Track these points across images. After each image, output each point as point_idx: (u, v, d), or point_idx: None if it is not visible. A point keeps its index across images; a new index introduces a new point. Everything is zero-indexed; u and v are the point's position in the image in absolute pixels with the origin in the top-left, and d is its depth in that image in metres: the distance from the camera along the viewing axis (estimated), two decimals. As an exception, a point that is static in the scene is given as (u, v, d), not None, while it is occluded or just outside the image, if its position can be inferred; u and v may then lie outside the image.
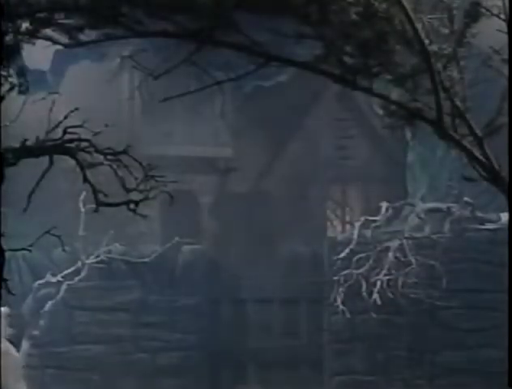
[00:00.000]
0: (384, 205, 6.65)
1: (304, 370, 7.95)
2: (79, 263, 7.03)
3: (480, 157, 2.59)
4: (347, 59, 2.51)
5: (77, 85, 8.41)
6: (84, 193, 6.84)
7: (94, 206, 3.39)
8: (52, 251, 7.45)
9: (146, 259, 7.43)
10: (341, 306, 6.38)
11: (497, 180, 2.56)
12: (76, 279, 6.98)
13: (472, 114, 2.68)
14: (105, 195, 3.47)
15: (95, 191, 3.43)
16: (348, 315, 6.40)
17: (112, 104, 9.52)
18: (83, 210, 6.76)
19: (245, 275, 8.00)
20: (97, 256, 7.11)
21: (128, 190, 3.48)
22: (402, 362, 7.59)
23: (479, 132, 2.62)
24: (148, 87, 10.39)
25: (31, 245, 3.43)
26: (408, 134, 9.54)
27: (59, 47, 9.99)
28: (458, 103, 2.64)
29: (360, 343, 7.57)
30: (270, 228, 11.43)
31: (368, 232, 6.70)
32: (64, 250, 3.42)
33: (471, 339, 7.56)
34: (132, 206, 3.49)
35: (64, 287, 6.95)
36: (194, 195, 12.62)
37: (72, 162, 3.33)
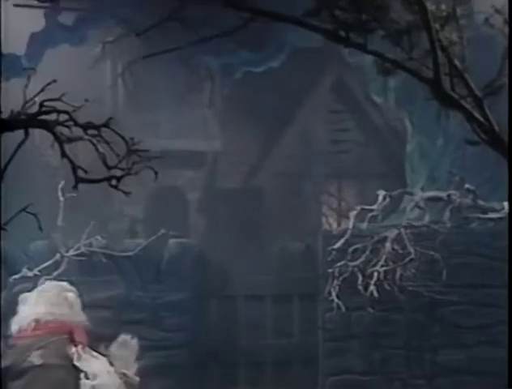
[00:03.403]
0: (381, 193, 6.65)
1: (297, 370, 7.95)
2: (58, 256, 6.98)
3: (480, 118, 2.59)
4: (339, 14, 2.51)
5: (55, 71, 8.37)
6: (63, 182, 6.84)
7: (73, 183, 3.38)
8: (28, 244, 7.42)
9: (129, 253, 7.39)
10: (336, 300, 6.38)
11: (497, 142, 2.57)
12: (55, 273, 6.93)
13: (472, 75, 2.69)
14: (85, 172, 3.44)
15: (74, 167, 3.42)
16: (344, 309, 6.40)
17: (93, 91, 9.47)
18: (62, 199, 6.73)
19: (236, 270, 7.99)
20: (77, 249, 7.07)
21: (109, 167, 3.46)
22: (400, 361, 7.61)
23: (478, 93, 2.63)
24: (132, 74, 10.35)
25: (6, 224, 3.41)
26: (408, 124, 9.57)
27: (35, 30, 9.91)
28: (457, 62, 2.64)
29: (357, 340, 7.59)
30: (262, 225, 11.43)
31: (364, 223, 6.70)
32: (41, 229, 3.38)
33: (472, 336, 7.59)
34: (114, 182, 3.47)
35: (41, 282, 6.89)
36: (181, 192, 12.61)
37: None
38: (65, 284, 3.78)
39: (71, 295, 3.64)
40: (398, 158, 10.55)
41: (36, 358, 3.33)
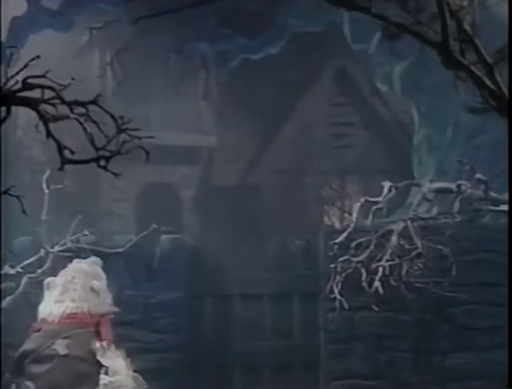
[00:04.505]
0: (386, 185, 6.65)
1: (297, 374, 7.94)
2: (42, 252, 6.96)
3: (491, 85, 2.60)
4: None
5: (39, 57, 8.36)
6: (48, 172, 6.82)
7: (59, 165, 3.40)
8: (11, 241, 7.41)
9: (119, 250, 7.38)
10: (338, 297, 6.37)
11: (507, 109, 2.57)
12: (39, 271, 6.92)
13: (482, 41, 2.70)
14: (72, 152, 3.46)
15: (60, 147, 3.44)
16: (347, 306, 6.40)
17: (80, 81, 9.46)
18: (46, 191, 6.71)
19: (232, 268, 7.99)
20: (63, 244, 7.05)
21: (97, 148, 3.48)
22: (407, 364, 7.61)
23: (489, 59, 2.64)
24: (122, 63, 10.35)
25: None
26: (415, 115, 9.58)
27: (17, 13, 9.85)
28: (467, 27, 2.65)
29: (361, 342, 7.59)
30: (261, 223, 11.43)
31: (368, 216, 6.70)
32: (24, 212, 3.41)
33: (484, 338, 7.59)
34: (102, 162, 3.48)
35: (25, 280, 6.88)
36: (175, 189, 12.62)
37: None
38: (89, 269, 3.89)
39: (96, 283, 3.78)
40: (405, 153, 10.57)
41: (60, 347, 3.53)
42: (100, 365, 3.53)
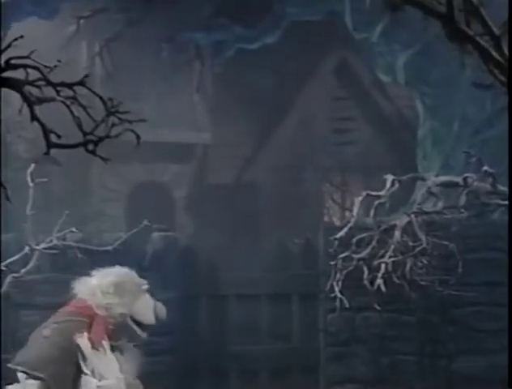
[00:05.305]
0: (389, 178, 6.62)
1: (296, 378, 7.93)
2: (27, 249, 6.93)
3: (498, 57, 2.58)
4: None
5: (22, 46, 8.33)
6: (33, 166, 6.79)
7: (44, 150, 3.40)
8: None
9: (108, 247, 7.36)
10: (339, 295, 6.35)
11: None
12: (23, 270, 6.89)
13: (488, 12, 2.68)
14: (58, 136, 3.44)
15: (45, 131, 3.42)
16: (347, 305, 6.38)
17: (67, 63, 9.45)
18: (31, 184, 6.68)
19: (228, 267, 7.97)
20: (49, 241, 7.01)
21: (85, 133, 3.46)
22: (411, 368, 7.59)
23: (496, 30, 2.62)
24: (111, 54, 10.32)
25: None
26: (419, 107, 9.56)
27: (-1, 0, 9.75)
28: (472, -3, 2.63)
29: (362, 345, 7.57)
30: (259, 222, 11.41)
31: (370, 211, 6.68)
32: (8, 199, 3.39)
33: (492, 341, 7.57)
34: (90, 147, 3.47)
35: (8, 279, 6.85)
36: (167, 188, 12.59)
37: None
38: (137, 278, 3.91)
39: (129, 284, 3.79)
40: (409, 148, 10.55)
41: (46, 330, 3.61)
42: (83, 359, 3.52)
